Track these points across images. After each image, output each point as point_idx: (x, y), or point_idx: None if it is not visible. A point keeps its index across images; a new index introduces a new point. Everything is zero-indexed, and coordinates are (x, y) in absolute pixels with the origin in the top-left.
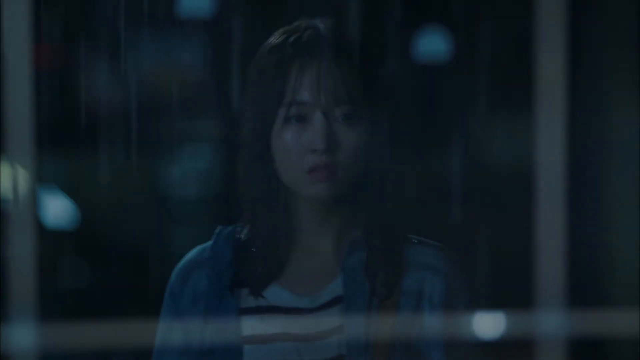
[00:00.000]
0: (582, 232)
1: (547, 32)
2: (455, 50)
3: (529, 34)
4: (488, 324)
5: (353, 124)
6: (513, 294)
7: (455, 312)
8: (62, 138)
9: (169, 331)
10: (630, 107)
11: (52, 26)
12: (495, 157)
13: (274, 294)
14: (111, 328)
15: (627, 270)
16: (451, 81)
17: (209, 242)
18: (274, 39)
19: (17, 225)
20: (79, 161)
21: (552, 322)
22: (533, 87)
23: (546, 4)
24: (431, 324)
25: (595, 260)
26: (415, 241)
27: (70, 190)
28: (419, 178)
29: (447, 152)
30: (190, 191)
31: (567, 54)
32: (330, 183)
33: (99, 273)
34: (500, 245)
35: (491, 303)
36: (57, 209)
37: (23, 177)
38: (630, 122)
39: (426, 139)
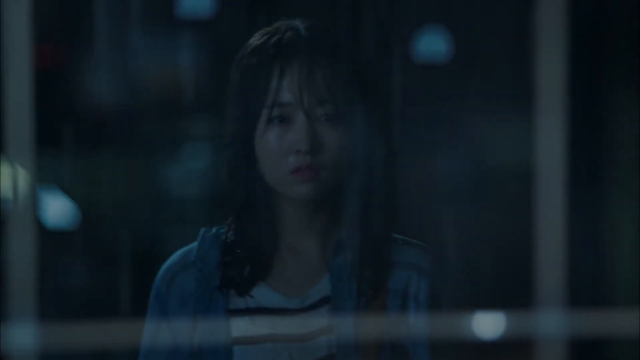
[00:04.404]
0: (582, 232)
1: (547, 32)
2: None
3: (529, 34)
4: (488, 324)
5: (336, 123)
6: (513, 294)
7: (439, 311)
8: (62, 138)
9: (155, 333)
10: (630, 107)
11: (52, 26)
12: (495, 157)
13: (263, 295)
14: (111, 328)
15: (627, 271)
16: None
17: (194, 244)
18: (255, 40)
19: (17, 225)
20: (79, 161)
21: (552, 322)
22: (533, 87)
23: (546, 3)
24: (417, 323)
25: (595, 260)
26: (400, 241)
27: (70, 190)
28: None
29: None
30: (191, 191)
31: (567, 54)
32: (314, 183)
33: (99, 273)
34: (500, 246)
35: (491, 303)
36: (57, 209)
37: (23, 177)
38: (630, 122)
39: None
